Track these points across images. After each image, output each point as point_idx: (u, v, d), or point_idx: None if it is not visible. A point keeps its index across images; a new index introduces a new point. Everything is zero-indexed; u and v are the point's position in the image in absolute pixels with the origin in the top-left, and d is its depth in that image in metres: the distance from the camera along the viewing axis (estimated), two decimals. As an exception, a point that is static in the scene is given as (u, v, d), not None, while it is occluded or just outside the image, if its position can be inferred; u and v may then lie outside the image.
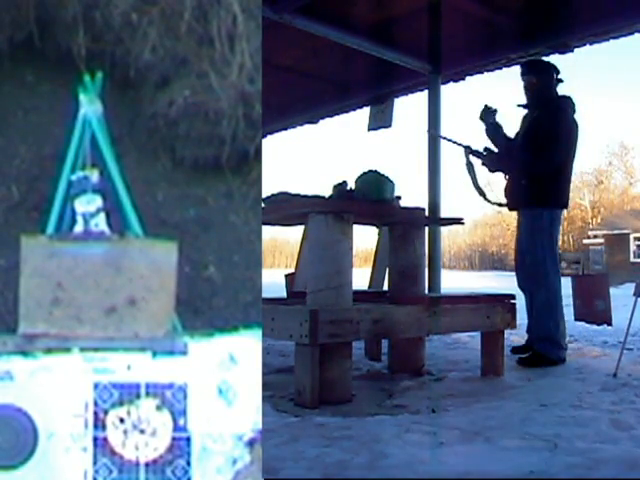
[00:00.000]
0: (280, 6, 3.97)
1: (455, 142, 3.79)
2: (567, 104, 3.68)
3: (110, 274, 1.55)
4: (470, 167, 3.74)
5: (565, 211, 3.83)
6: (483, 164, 3.76)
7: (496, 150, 3.77)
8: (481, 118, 3.77)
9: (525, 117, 3.82)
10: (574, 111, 3.67)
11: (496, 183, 4.20)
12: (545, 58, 4.53)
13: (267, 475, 1.56)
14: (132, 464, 1.47)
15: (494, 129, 3.78)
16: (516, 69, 3.94)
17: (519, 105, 3.87)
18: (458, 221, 3.53)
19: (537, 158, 3.53)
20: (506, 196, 3.83)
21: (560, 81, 3.75)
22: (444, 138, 3.75)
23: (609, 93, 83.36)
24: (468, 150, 3.75)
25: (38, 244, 1.56)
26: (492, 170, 3.78)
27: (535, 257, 3.58)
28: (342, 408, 2.44)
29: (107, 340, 1.52)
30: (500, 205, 3.98)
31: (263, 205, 2.91)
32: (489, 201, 3.89)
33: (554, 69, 3.75)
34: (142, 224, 1.64)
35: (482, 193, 3.83)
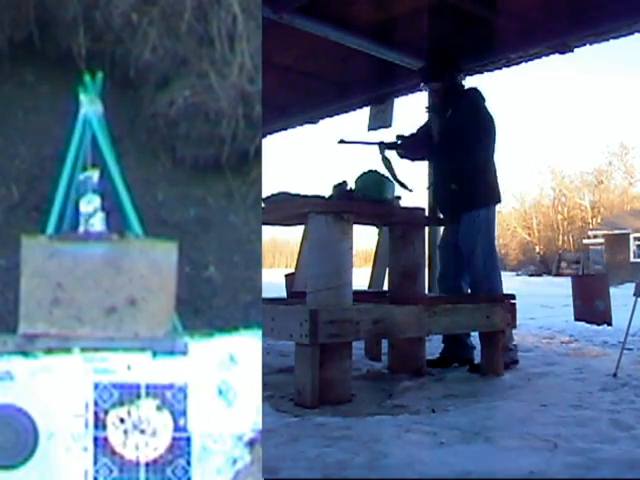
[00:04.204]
0: (280, 6, 3.96)
1: (367, 143, 3.65)
2: (477, 96, 3.59)
3: (110, 274, 1.55)
4: (387, 162, 3.56)
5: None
6: (403, 156, 3.62)
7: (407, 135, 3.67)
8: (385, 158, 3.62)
9: (430, 119, 3.75)
10: (484, 100, 3.59)
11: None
12: (545, 58, 4.53)
13: (267, 475, 1.56)
14: (132, 464, 1.47)
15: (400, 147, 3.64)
16: (516, 69, 3.92)
17: (427, 108, 3.78)
18: (458, 221, 3.53)
19: (462, 156, 3.44)
20: (438, 204, 3.73)
21: (459, 69, 3.70)
22: (357, 143, 3.65)
23: (609, 93, 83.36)
24: (383, 146, 3.60)
25: (38, 244, 1.56)
26: (413, 159, 3.66)
27: (475, 261, 3.48)
28: (342, 408, 2.43)
29: (107, 340, 1.52)
30: (428, 188, 3.86)
31: (263, 205, 2.91)
32: (411, 191, 3.67)
33: (452, 62, 3.67)
34: (142, 224, 1.64)
35: (403, 185, 3.61)
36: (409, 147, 3.61)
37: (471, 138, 3.41)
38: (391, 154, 3.59)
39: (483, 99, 3.60)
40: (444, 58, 3.76)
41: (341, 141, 3.57)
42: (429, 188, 3.78)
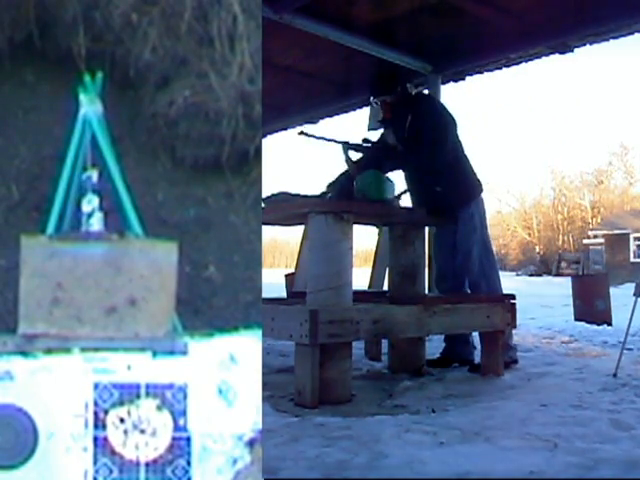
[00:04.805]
0: (280, 6, 3.97)
1: (331, 140, 3.54)
2: (429, 99, 3.66)
3: (110, 274, 1.55)
4: (350, 163, 3.51)
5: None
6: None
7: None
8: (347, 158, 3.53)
9: (386, 131, 3.68)
10: (438, 102, 3.66)
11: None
12: (545, 58, 4.53)
13: (267, 475, 1.56)
14: (132, 464, 1.47)
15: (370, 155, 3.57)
16: (516, 69, 3.92)
17: (379, 121, 3.68)
18: (454, 221, 3.52)
19: (432, 155, 3.39)
20: (422, 205, 3.63)
21: (408, 80, 3.78)
22: (318, 137, 3.55)
23: (609, 93, 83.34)
24: (346, 146, 3.53)
25: (38, 244, 1.56)
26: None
27: (471, 262, 3.45)
28: (342, 408, 2.43)
29: (107, 340, 1.52)
30: (397, 197, 3.65)
31: (263, 205, 2.91)
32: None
33: (399, 74, 3.72)
34: (142, 224, 1.64)
35: None
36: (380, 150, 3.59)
37: (434, 141, 3.39)
38: (354, 155, 3.55)
39: (437, 100, 3.72)
40: (393, 71, 3.85)
41: (301, 133, 3.50)
42: (399, 197, 3.71)
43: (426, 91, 4.33)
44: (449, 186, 3.45)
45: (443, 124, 3.47)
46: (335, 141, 3.53)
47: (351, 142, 3.57)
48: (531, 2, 4.09)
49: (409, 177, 3.69)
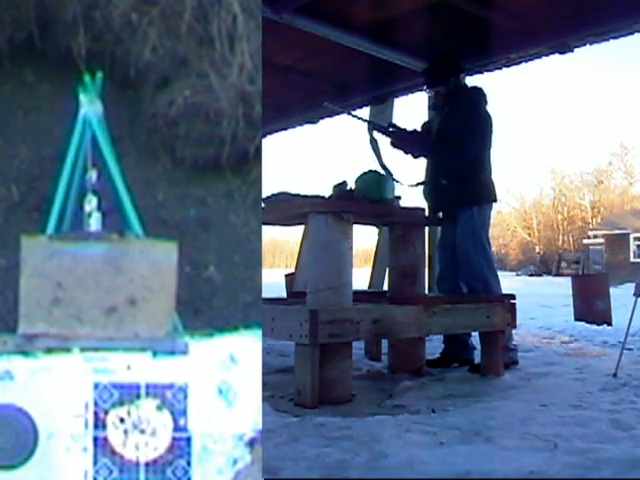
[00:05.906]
0: (280, 6, 3.96)
1: (355, 116, 3.54)
2: (478, 95, 3.57)
3: (110, 274, 1.55)
4: (374, 144, 3.47)
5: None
6: (393, 145, 3.55)
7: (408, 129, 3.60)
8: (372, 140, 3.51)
9: (433, 118, 3.74)
10: (486, 102, 3.57)
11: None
12: (545, 58, 4.53)
13: (267, 475, 1.56)
14: (132, 464, 1.47)
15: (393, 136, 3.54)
16: (516, 69, 3.92)
17: (430, 108, 3.76)
18: (455, 221, 3.52)
19: (452, 152, 3.41)
20: (426, 198, 3.69)
21: (462, 71, 3.70)
22: (343, 112, 3.51)
23: (609, 93, 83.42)
24: (371, 125, 3.51)
25: (38, 244, 1.56)
26: (406, 151, 3.59)
27: (468, 262, 3.45)
28: (342, 408, 2.43)
29: (107, 340, 1.52)
30: (411, 186, 3.70)
31: (263, 205, 2.91)
32: (396, 181, 3.40)
33: (456, 64, 3.67)
34: (142, 224, 1.64)
35: (388, 172, 3.49)
36: (404, 139, 3.58)
37: (464, 136, 3.39)
38: (379, 137, 3.53)
39: (484, 100, 3.58)
40: (448, 61, 3.75)
41: (326, 104, 3.48)
42: (415, 186, 3.71)
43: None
44: (457, 184, 3.45)
45: (475, 124, 3.45)
46: (360, 118, 3.51)
47: (376, 122, 3.57)
48: (531, 2, 4.08)
49: (429, 167, 3.70)
